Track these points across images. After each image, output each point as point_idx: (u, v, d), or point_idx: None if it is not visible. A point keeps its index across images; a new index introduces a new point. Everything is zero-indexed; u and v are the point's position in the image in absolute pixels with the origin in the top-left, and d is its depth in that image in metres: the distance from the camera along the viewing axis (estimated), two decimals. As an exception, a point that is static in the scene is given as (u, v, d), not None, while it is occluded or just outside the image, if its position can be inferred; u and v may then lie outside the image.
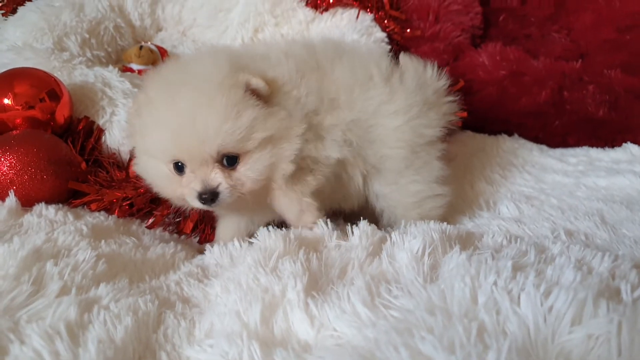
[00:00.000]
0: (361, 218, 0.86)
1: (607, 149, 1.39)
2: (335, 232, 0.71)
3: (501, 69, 1.54)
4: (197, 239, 0.93)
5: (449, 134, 1.22)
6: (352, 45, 1.09)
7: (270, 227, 0.70)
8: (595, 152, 1.34)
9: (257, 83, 0.70)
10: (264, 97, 0.71)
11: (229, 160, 0.69)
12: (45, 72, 1.03)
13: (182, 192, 0.70)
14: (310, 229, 0.73)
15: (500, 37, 1.84)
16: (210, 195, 0.68)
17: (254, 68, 0.73)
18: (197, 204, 0.70)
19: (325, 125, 0.76)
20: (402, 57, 0.93)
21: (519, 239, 0.68)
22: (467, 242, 0.70)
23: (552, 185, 1.09)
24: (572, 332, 0.41)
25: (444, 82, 0.94)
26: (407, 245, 0.60)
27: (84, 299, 0.54)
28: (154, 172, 0.74)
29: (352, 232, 0.69)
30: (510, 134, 1.51)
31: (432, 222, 0.72)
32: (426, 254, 0.58)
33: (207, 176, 0.68)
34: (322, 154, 0.76)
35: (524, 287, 0.46)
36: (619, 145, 1.44)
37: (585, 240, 0.80)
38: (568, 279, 0.48)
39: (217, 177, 0.68)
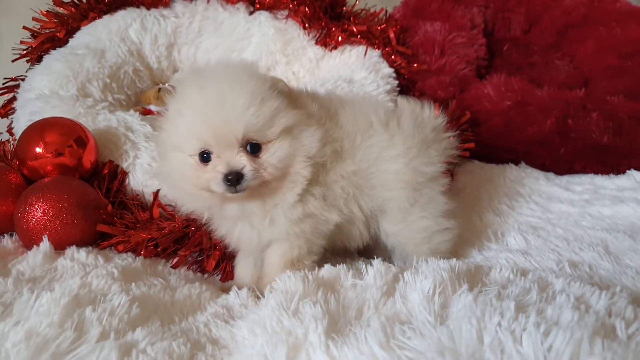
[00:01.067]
0: (375, 256, 0.92)
1: (612, 176, 1.43)
2: (350, 271, 0.76)
3: (506, 99, 1.59)
4: (219, 276, 0.98)
5: (457, 165, 1.27)
6: (352, 95, 1.15)
7: (243, 159, 0.74)
8: (600, 180, 1.38)
9: (284, 86, 0.78)
10: (289, 99, 0.78)
11: (253, 148, 0.75)
12: (72, 120, 1.10)
13: (207, 178, 0.75)
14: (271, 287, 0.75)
15: (505, 66, 1.91)
16: (235, 176, 0.72)
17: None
18: (222, 188, 0.73)
19: (328, 181, 0.82)
20: (400, 100, 0.98)
21: (524, 275, 0.72)
22: (475, 278, 0.74)
23: (558, 215, 1.13)
24: (571, 370, 0.45)
25: (442, 119, 0.99)
26: (419, 285, 0.65)
27: (122, 344, 0.59)
28: (179, 166, 0.78)
29: (367, 272, 0.73)
30: (517, 163, 1.55)
31: (441, 260, 0.76)
32: (437, 293, 0.62)
33: (232, 159, 0.73)
34: (322, 214, 0.81)
35: (525, 327, 0.50)
36: (625, 169, 1.48)
37: (589, 271, 0.84)
38: (567, 319, 0.52)
39: (242, 160, 0.73)
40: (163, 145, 0.82)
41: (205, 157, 0.76)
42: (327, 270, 0.79)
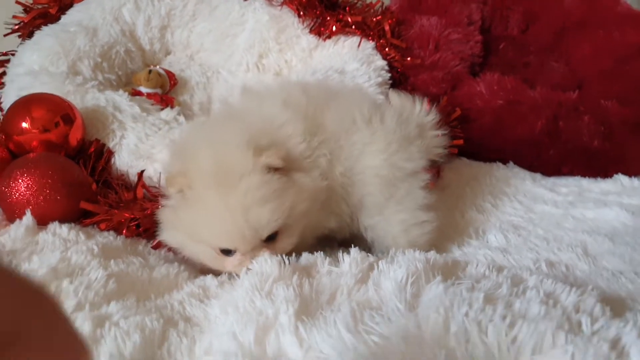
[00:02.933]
0: (352, 245, 0.92)
1: (598, 179, 1.43)
2: (327, 259, 0.76)
3: (498, 98, 1.59)
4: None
5: (444, 162, 1.27)
6: (339, 88, 1.15)
7: (266, 254, 0.74)
8: (586, 183, 1.39)
9: (274, 161, 0.77)
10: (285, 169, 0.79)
11: (270, 237, 0.78)
12: (60, 97, 1.09)
13: (228, 268, 0.78)
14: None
15: (499, 64, 1.91)
16: None
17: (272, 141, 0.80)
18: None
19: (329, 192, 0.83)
20: (391, 94, 0.98)
21: (499, 271, 0.73)
22: (451, 271, 0.74)
23: (541, 216, 1.13)
24: (532, 361, 0.46)
25: (431, 117, 0.99)
26: (392, 274, 0.65)
27: (96, 315, 0.59)
28: (198, 253, 0.82)
29: (344, 260, 0.73)
30: (505, 162, 1.56)
31: (417, 252, 0.77)
32: (409, 283, 0.63)
33: (253, 256, 0.76)
34: (321, 223, 0.85)
35: (492, 319, 0.51)
36: (612, 174, 1.48)
37: (566, 271, 0.84)
38: (534, 312, 0.52)
39: (265, 255, 0.74)
40: (178, 230, 0.82)
41: (227, 252, 0.79)
42: (304, 257, 0.79)
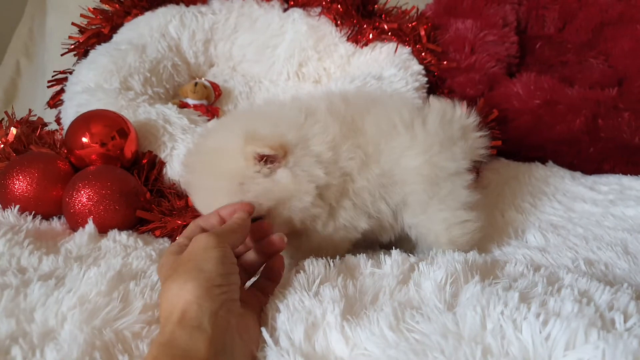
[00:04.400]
0: (393, 247, 0.96)
1: (640, 176, 1.42)
2: (370, 260, 0.80)
3: (535, 98, 1.59)
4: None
5: (484, 163, 1.29)
6: (379, 94, 1.18)
7: (313, 258, 0.79)
8: (627, 180, 1.38)
9: (263, 149, 0.77)
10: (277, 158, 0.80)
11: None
12: (115, 113, 1.18)
13: None
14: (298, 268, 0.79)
15: (536, 64, 1.90)
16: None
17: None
18: None
19: (356, 190, 0.85)
20: (431, 99, 1.01)
21: (536, 270, 0.75)
22: (490, 271, 0.77)
23: (580, 215, 1.14)
24: (565, 356, 0.49)
25: (472, 119, 1.01)
26: (432, 274, 0.69)
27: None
28: None
29: (385, 261, 0.77)
30: (545, 161, 1.56)
31: (457, 253, 0.80)
32: (448, 283, 0.66)
33: None
34: (352, 224, 0.87)
35: (526, 317, 0.54)
36: (656, 170, 1.47)
37: (604, 270, 0.86)
38: (567, 310, 0.55)
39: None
40: None
41: None
42: (348, 258, 0.83)
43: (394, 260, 0.77)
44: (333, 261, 0.79)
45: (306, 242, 0.88)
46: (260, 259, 0.76)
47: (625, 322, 0.54)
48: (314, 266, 0.74)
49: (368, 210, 0.88)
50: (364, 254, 0.84)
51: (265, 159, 0.78)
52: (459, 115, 0.99)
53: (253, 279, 0.76)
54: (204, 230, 0.70)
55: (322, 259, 0.79)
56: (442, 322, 0.56)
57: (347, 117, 0.89)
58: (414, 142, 0.88)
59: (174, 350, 0.51)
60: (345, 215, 0.86)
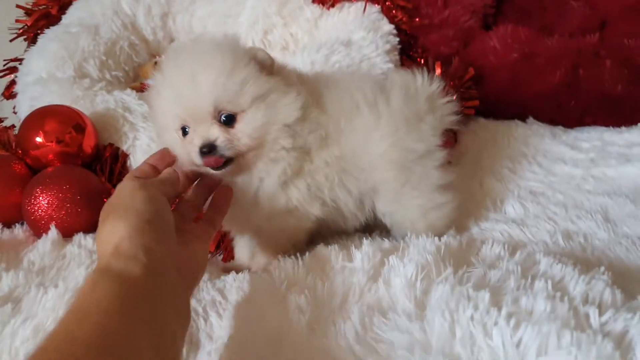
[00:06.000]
0: (368, 233, 0.93)
1: (622, 129, 1.38)
2: (341, 252, 0.77)
3: (513, 51, 1.53)
4: (221, 256, 1.01)
5: (461, 126, 1.24)
6: (340, 74, 1.11)
7: (216, 132, 0.75)
8: (609, 135, 1.34)
9: (264, 56, 0.77)
10: (268, 70, 0.78)
11: (227, 120, 0.75)
12: (68, 107, 1.11)
13: (188, 151, 0.76)
14: (264, 270, 0.77)
15: (514, 12, 1.81)
16: (208, 147, 0.73)
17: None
18: (199, 160, 0.75)
19: (312, 170, 0.81)
20: (391, 74, 0.95)
21: (513, 253, 0.73)
22: (464, 256, 0.75)
23: (561, 178, 1.11)
24: (538, 363, 0.47)
25: (436, 85, 0.93)
26: (402, 270, 0.66)
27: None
28: (170, 142, 0.80)
29: (355, 255, 0.74)
30: (524, 118, 1.51)
31: (429, 239, 0.77)
32: (419, 279, 0.64)
33: (206, 132, 0.74)
34: (304, 207, 0.82)
35: (497, 321, 0.51)
36: (638, 123, 1.43)
37: (583, 242, 0.84)
38: (539, 309, 0.53)
39: (215, 132, 0.74)
40: (157, 124, 0.84)
41: (186, 131, 0.78)
42: (319, 250, 0.80)
43: (364, 253, 0.74)
44: (302, 258, 0.76)
45: (263, 223, 0.84)
46: (204, 193, 0.78)
47: (600, 315, 0.52)
48: (280, 269, 0.71)
49: (322, 196, 0.83)
50: (336, 245, 0.81)
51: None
52: (421, 85, 0.92)
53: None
54: (150, 166, 0.73)
55: (291, 256, 0.76)
56: (410, 330, 0.53)
57: (313, 89, 0.84)
58: (379, 123, 0.83)
59: (110, 273, 0.52)
60: (297, 196, 0.81)
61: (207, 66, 0.74)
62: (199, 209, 0.77)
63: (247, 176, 0.80)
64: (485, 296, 0.55)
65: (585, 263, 0.68)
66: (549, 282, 0.58)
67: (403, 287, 0.63)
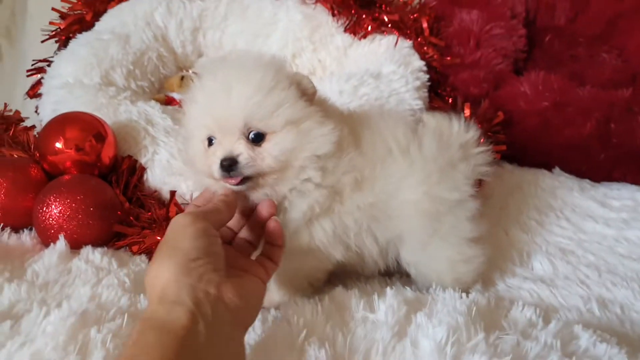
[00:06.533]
0: (388, 278, 0.88)
1: (655, 187, 1.34)
2: (362, 300, 0.73)
3: (544, 99, 1.50)
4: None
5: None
6: (373, 112, 1.07)
7: (299, 299, 0.72)
8: (641, 194, 1.30)
9: (307, 84, 0.76)
10: (309, 99, 0.76)
11: (255, 138, 0.73)
12: (91, 115, 1.08)
13: (209, 163, 0.74)
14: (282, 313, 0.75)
15: (545, 58, 1.79)
16: (229, 162, 0.71)
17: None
18: (219, 173, 0.72)
19: (341, 212, 0.77)
20: (425, 116, 0.91)
21: (546, 320, 0.68)
22: (494, 317, 0.70)
23: (591, 237, 1.07)
24: None
25: (472, 133, 0.90)
26: (431, 332, 0.62)
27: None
28: (193, 151, 0.79)
29: (379, 307, 0.70)
30: (551, 167, 1.47)
31: (458, 297, 0.73)
32: (449, 343, 0.59)
33: (231, 146, 0.72)
34: (327, 250, 0.78)
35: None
36: (671, 181, 1.39)
37: (620, 313, 0.79)
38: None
39: (240, 147, 0.72)
40: (185, 130, 0.82)
41: (211, 143, 0.75)
42: (337, 294, 0.76)
43: (388, 305, 0.70)
44: (322, 302, 0.72)
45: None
46: (255, 231, 0.76)
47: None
48: (299, 314, 0.67)
49: (348, 241, 0.79)
50: (356, 289, 0.77)
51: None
52: (456, 132, 0.89)
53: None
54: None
55: (309, 300, 0.72)
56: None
57: (353, 128, 0.80)
58: (411, 170, 0.79)
59: (156, 323, 0.52)
60: (321, 237, 0.77)
61: (245, 81, 0.72)
62: (254, 244, 0.77)
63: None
64: (525, 377, 0.51)
65: (626, 341, 0.64)
66: (594, 365, 0.54)
67: (432, 352, 0.58)
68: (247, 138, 0.73)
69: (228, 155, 0.71)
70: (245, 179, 0.72)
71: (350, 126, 0.80)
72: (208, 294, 0.57)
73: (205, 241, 0.61)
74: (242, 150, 0.72)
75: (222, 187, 0.74)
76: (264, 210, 0.74)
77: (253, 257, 0.76)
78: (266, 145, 0.73)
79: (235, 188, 0.73)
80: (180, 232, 0.62)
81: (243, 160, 0.71)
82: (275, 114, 0.72)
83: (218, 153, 0.72)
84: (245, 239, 0.76)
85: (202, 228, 0.62)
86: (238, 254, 0.72)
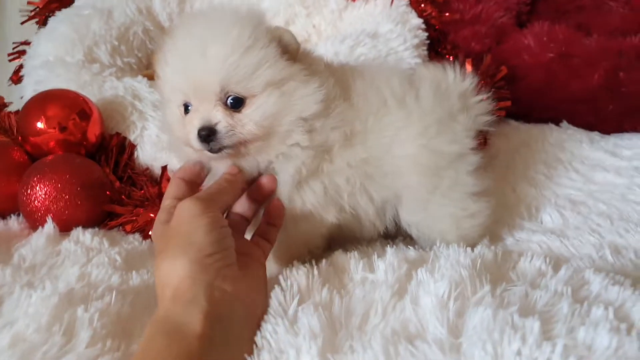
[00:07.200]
0: (392, 239, 0.84)
1: (667, 136, 1.28)
2: (361, 261, 0.69)
3: (548, 51, 1.43)
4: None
5: (492, 125, 1.14)
6: (366, 65, 1.01)
7: (295, 263, 0.68)
8: (653, 142, 1.24)
9: (289, 39, 0.70)
10: (292, 55, 0.70)
11: (234, 103, 0.68)
12: (74, 92, 1.04)
13: (186, 132, 0.70)
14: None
15: (549, 11, 1.71)
16: (207, 132, 0.67)
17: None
18: (197, 144, 0.68)
19: (331, 171, 0.72)
20: (419, 68, 0.86)
21: (556, 268, 0.64)
22: (501, 270, 0.66)
23: (602, 187, 1.01)
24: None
25: (469, 81, 0.85)
26: (433, 287, 0.57)
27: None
28: (170, 118, 0.74)
29: (378, 266, 0.66)
30: (558, 122, 1.41)
31: (462, 251, 0.68)
32: (452, 298, 0.55)
33: (208, 113, 0.67)
34: (318, 213, 0.73)
35: (550, 358, 0.42)
36: (682, 130, 1.33)
37: (635, 259, 0.74)
38: (603, 345, 0.44)
39: (218, 115, 0.67)
40: (160, 95, 0.78)
41: (188, 109, 0.71)
42: (337, 257, 0.72)
43: (388, 263, 0.66)
44: (318, 265, 0.68)
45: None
46: (254, 205, 0.73)
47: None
48: (293, 279, 0.63)
49: (341, 202, 0.74)
50: (356, 252, 0.73)
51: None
52: (453, 81, 0.84)
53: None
54: (187, 184, 0.68)
55: (305, 264, 0.68)
56: (443, 364, 0.45)
57: (342, 80, 0.75)
58: (408, 122, 0.74)
59: (167, 326, 0.51)
60: (312, 199, 0.73)
61: (220, 39, 0.66)
62: (249, 221, 0.74)
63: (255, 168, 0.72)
64: (534, 325, 0.46)
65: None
66: (610, 310, 0.49)
67: (434, 308, 0.54)
68: (225, 104, 0.68)
69: (206, 124, 0.67)
70: (224, 147, 0.68)
71: (339, 77, 0.75)
72: (225, 292, 0.55)
73: (218, 234, 0.59)
74: (220, 118, 0.67)
75: (203, 155, 0.70)
76: (265, 186, 0.71)
77: (247, 235, 0.73)
78: (246, 110, 0.68)
79: (214, 156, 0.69)
80: (192, 223, 0.58)
81: (222, 130, 0.67)
82: (255, 76, 0.67)
83: (195, 122, 0.68)
84: (239, 214, 0.73)
85: (213, 218, 0.59)
86: (234, 233, 0.67)
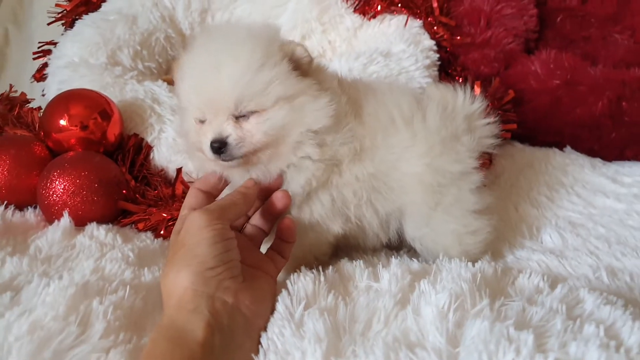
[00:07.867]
0: (397, 250, 0.87)
1: (667, 165, 1.31)
2: (367, 270, 0.72)
3: (555, 78, 1.47)
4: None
5: (497, 149, 1.18)
6: (378, 83, 1.05)
7: (303, 269, 0.71)
8: (652, 171, 1.27)
9: (301, 54, 0.73)
10: (304, 70, 0.74)
11: (245, 114, 0.71)
12: (97, 93, 1.08)
13: (200, 142, 0.73)
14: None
15: (556, 39, 1.75)
16: (219, 144, 0.70)
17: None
18: (211, 155, 0.72)
19: (339, 184, 0.75)
20: (429, 88, 0.89)
21: (553, 286, 0.67)
22: (500, 285, 0.69)
23: (602, 211, 1.04)
24: None
25: (477, 104, 0.88)
26: (434, 298, 0.60)
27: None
28: (186, 125, 0.78)
29: (382, 275, 0.69)
30: (562, 146, 1.45)
31: (464, 265, 0.71)
32: (452, 309, 0.58)
33: (220, 127, 0.71)
34: (325, 223, 0.77)
35: (543, 370, 0.45)
36: (682, 159, 1.36)
37: (630, 282, 0.77)
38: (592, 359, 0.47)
39: (229, 128, 0.71)
40: (179, 103, 0.81)
41: (202, 120, 0.75)
42: (343, 266, 0.75)
43: (392, 273, 0.69)
44: (324, 272, 0.71)
45: None
46: (268, 220, 0.76)
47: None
48: (300, 284, 0.66)
49: (347, 213, 0.78)
50: (361, 261, 0.76)
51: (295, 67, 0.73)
52: (461, 103, 0.87)
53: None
54: (204, 195, 0.71)
55: (312, 271, 0.71)
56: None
57: (354, 97, 0.79)
58: (414, 142, 0.78)
59: (171, 332, 0.54)
60: (320, 210, 0.76)
61: (234, 59, 0.70)
62: (266, 233, 0.77)
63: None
64: (528, 338, 0.49)
65: (636, 307, 0.62)
66: (601, 327, 0.52)
67: (434, 319, 0.57)
68: (237, 118, 0.72)
69: (217, 137, 0.71)
70: (235, 157, 0.72)
71: (351, 95, 0.78)
72: (225, 303, 0.58)
73: (222, 247, 0.61)
74: (230, 132, 0.71)
75: (217, 163, 0.74)
76: (278, 202, 0.73)
77: (264, 246, 0.76)
78: (254, 120, 0.71)
79: (227, 164, 0.73)
80: (197, 235, 0.61)
81: (232, 142, 0.71)
82: (266, 92, 0.70)
83: (208, 134, 0.72)
84: (257, 226, 0.76)
85: (218, 231, 0.61)
86: (249, 245, 0.71)
